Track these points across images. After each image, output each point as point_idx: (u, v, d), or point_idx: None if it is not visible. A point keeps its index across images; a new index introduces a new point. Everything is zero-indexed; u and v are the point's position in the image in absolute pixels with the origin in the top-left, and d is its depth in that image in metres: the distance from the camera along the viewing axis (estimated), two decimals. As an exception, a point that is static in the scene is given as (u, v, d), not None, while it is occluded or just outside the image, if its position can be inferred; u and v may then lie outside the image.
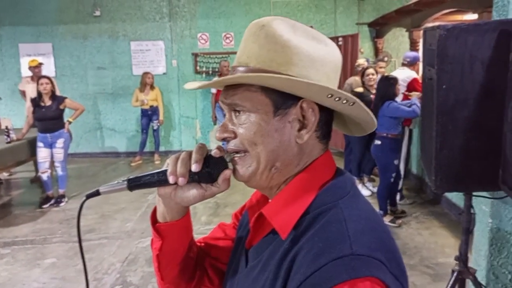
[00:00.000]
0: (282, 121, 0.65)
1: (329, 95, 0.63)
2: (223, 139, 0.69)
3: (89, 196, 0.71)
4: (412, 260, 3.35)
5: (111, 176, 6.16)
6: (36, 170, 5.58)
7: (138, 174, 0.71)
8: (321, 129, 0.68)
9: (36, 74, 5.81)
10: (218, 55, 7.22)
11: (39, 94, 4.76)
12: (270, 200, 0.72)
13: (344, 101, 0.65)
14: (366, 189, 5.04)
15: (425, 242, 3.69)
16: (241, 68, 0.66)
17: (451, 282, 2.00)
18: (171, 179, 0.67)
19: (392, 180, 4.09)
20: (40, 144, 4.82)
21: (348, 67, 6.60)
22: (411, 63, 4.79)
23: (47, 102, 4.76)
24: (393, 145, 4.00)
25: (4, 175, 6.12)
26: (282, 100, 0.65)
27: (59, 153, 4.87)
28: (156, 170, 0.70)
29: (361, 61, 5.57)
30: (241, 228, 0.82)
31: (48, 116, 4.76)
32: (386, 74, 4.95)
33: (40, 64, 5.98)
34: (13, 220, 4.52)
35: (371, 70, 4.76)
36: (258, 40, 0.65)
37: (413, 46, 5.93)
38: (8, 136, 4.78)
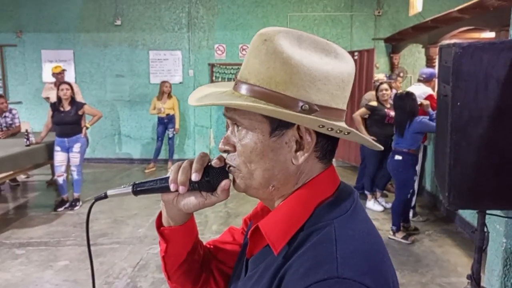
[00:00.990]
0: (278, 142, 0.64)
1: (321, 126, 0.62)
2: (225, 151, 0.70)
3: (97, 199, 0.74)
4: (424, 278, 3.31)
5: (125, 182, 6.24)
6: (53, 173, 5.70)
7: (144, 180, 0.73)
8: (321, 149, 0.67)
9: (59, 80, 5.97)
10: (234, 66, 7.32)
11: (59, 99, 4.88)
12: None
13: (338, 132, 0.63)
14: (379, 205, 5.00)
15: (437, 260, 3.64)
16: (243, 85, 0.65)
17: (462, 301, 1.97)
18: (172, 187, 0.70)
19: (409, 196, 4.06)
20: (57, 148, 4.93)
21: (364, 82, 6.61)
22: (427, 80, 4.79)
23: (66, 107, 4.88)
24: (413, 161, 4.00)
25: (22, 177, 6.26)
26: (278, 122, 0.63)
27: (75, 158, 4.97)
28: (160, 177, 0.73)
29: (380, 76, 5.60)
30: (247, 234, 0.82)
31: (66, 121, 4.87)
32: (400, 90, 4.96)
33: (63, 70, 6.15)
34: (28, 221, 4.61)
35: (385, 86, 4.79)
36: (259, 56, 0.63)
37: (430, 62, 5.91)
38: (27, 139, 4.91)
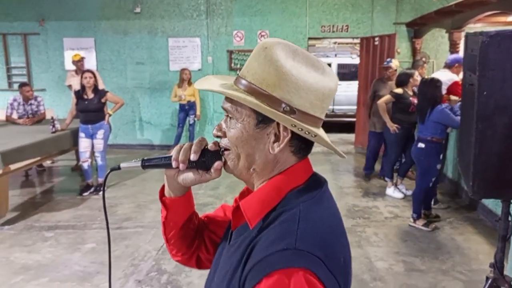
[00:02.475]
0: (261, 133, 0.77)
1: (293, 125, 0.74)
2: (217, 137, 0.84)
3: (112, 169, 0.89)
4: (444, 265, 3.32)
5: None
6: (77, 159, 5.86)
7: (151, 157, 0.86)
8: (295, 146, 0.78)
9: (79, 67, 6.09)
10: (252, 53, 7.31)
11: (83, 87, 4.99)
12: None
13: (307, 133, 0.75)
14: (399, 192, 4.98)
15: (458, 248, 3.64)
16: (242, 80, 0.77)
17: (484, 289, 1.99)
18: (173, 164, 0.83)
19: (430, 184, 4.04)
20: (81, 134, 5.06)
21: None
22: (448, 65, 4.70)
23: (90, 95, 4.99)
24: (437, 149, 3.94)
25: (47, 163, 6.45)
26: (264, 116, 0.75)
27: (99, 144, 5.10)
28: (164, 155, 0.86)
29: (396, 63, 5.48)
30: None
31: (90, 109, 4.98)
32: (426, 76, 4.89)
33: (82, 58, 6.26)
34: (55, 205, 4.79)
35: (417, 73, 4.74)
36: (259, 60, 0.75)
37: (453, 47, 5.79)
38: (53, 126, 5.05)
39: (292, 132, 0.76)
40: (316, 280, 0.64)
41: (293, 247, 0.66)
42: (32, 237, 3.90)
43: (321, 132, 0.79)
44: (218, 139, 0.85)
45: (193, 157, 0.82)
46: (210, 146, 0.84)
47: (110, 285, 0.97)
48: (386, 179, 5.14)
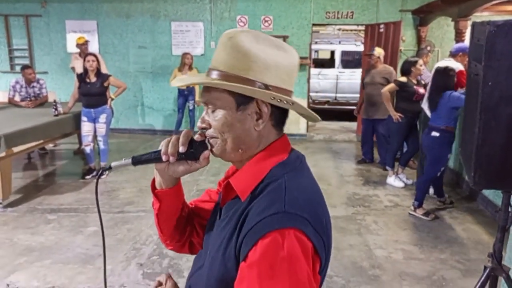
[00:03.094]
0: (243, 114, 0.84)
1: (272, 98, 0.82)
2: (202, 128, 0.88)
3: (103, 170, 0.94)
4: (443, 254, 3.35)
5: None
6: (80, 142, 5.88)
7: (141, 154, 0.90)
8: (275, 119, 0.87)
9: (83, 51, 6.05)
10: (256, 38, 7.24)
11: (85, 71, 4.97)
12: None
13: (285, 102, 0.84)
14: (399, 181, 5.00)
15: (457, 237, 3.67)
16: (214, 71, 0.84)
17: (482, 278, 2.01)
18: (164, 158, 0.87)
19: (438, 174, 4.04)
20: (84, 118, 5.06)
21: (389, 56, 6.46)
22: (453, 54, 4.66)
23: (92, 78, 4.97)
24: (450, 138, 3.94)
25: (50, 146, 6.47)
26: (243, 98, 0.83)
27: (101, 128, 5.10)
28: (153, 150, 0.90)
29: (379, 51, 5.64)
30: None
31: (93, 92, 4.97)
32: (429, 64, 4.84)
33: (87, 41, 6.22)
34: (58, 188, 4.82)
35: (421, 61, 4.70)
36: (226, 49, 0.83)
37: (459, 36, 5.72)
38: (56, 109, 5.05)
39: (271, 106, 0.85)
40: (305, 238, 0.74)
41: (282, 210, 0.75)
42: (35, 220, 3.94)
43: (295, 100, 0.88)
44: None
45: (181, 149, 0.86)
46: (196, 137, 0.88)
47: (105, 285, 1.01)
48: (387, 168, 5.15)
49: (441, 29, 7.21)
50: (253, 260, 0.73)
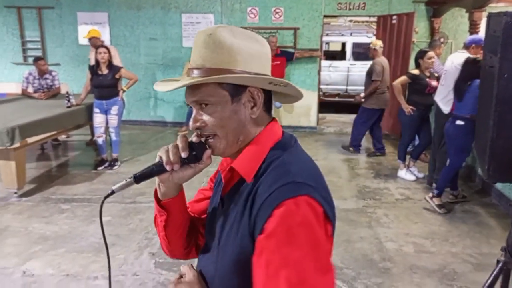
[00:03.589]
0: (238, 105, 0.86)
1: (270, 82, 0.86)
2: (197, 128, 0.88)
3: (106, 197, 0.89)
4: (454, 248, 3.34)
5: (160, 144, 6.44)
6: (92, 134, 5.94)
7: (140, 170, 0.88)
8: (266, 104, 0.90)
9: (93, 43, 6.04)
10: (266, 30, 7.20)
11: (97, 63, 5.00)
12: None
13: (281, 85, 0.88)
14: (411, 174, 4.97)
15: (469, 231, 3.64)
16: (198, 70, 0.85)
17: (495, 272, 2.00)
18: (168, 168, 0.87)
19: (463, 163, 3.98)
20: (96, 110, 5.11)
21: (401, 48, 6.39)
22: (466, 46, 4.58)
23: (104, 70, 5.01)
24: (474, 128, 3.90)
25: (62, 137, 6.55)
26: (235, 90, 0.85)
27: (113, 119, 5.15)
28: (151, 164, 0.88)
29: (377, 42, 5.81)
30: (216, 185, 1.04)
31: (104, 84, 5.01)
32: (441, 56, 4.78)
33: (93, 37, 6.00)
34: (71, 179, 4.89)
35: (431, 53, 4.63)
36: (209, 46, 0.84)
37: (473, 28, 5.63)
38: (68, 101, 5.10)
39: (263, 92, 0.88)
40: (316, 203, 0.77)
41: (291, 181, 0.78)
42: (49, 209, 4.01)
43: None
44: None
45: (184, 154, 0.86)
46: (195, 139, 0.88)
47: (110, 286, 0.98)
48: (398, 161, 5.12)
49: (455, 20, 7.10)
50: (271, 230, 0.75)
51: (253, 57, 0.86)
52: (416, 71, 4.65)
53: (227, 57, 0.83)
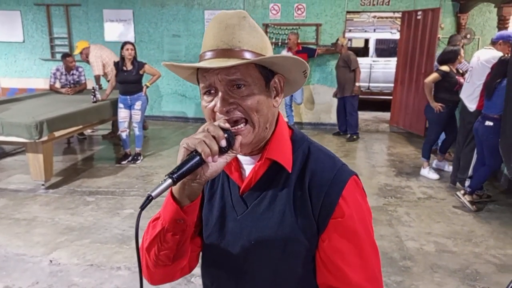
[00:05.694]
0: (269, 91, 0.83)
1: (304, 71, 0.87)
2: (227, 112, 0.79)
3: (143, 207, 0.73)
4: (477, 248, 3.27)
5: (181, 139, 6.51)
6: (112, 128, 6.08)
7: (174, 168, 0.73)
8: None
9: (85, 53, 6.14)
10: (288, 26, 7.19)
11: (122, 59, 5.11)
12: (242, 156, 0.88)
13: (306, 76, 0.89)
14: (434, 173, 4.88)
15: (493, 232, 3.56)
16: (236, 49, 0.78)
17: (518, 272, 1.96)
18: (209, 160, 0.74)
19: (501, 165, 3.90)
20: (120, 105, 5.22)
21: (426, 45, 6.27)
22: (493, 42, 4.45)
23: (129, 66, 5.11)
24: None
25: (88, 131, 6.73)
26: (268, 75, 0.82)
27: (136, 115, 5.25)
28: (188, 158, 0.74)
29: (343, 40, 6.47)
30: (213, 188, 0.94)
31: (129, 80, 5.12)
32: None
33: (84, 49, 6.19)
34: (96, 172, 5.02)
35: (462, 51, 4.59)
36: (244, 29, 0.80)
37: (502, 23, 5.47)
38: (94, 96, 5.24)
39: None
40: (360, 181, 0.88)
41: (341, 164, 0.86)
42: (75, 201, 4.14)
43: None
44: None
45: (223, 142, 0.75)
46: (227, 125, 0.77)
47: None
48: (422, 159, 5.04)
49: (483, 16, 6.90)
50: (349, 212, 0.82)
51: (270, 46, 0.87)
52: (446, 68, 4.58)
53: (261, 42, 0.82)
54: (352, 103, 6.58)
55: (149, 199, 0.72)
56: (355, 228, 0.83)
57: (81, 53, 6.20)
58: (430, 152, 4.96)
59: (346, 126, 6.80)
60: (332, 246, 0.82)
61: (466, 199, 3.97)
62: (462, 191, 4.05)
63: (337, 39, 6.63)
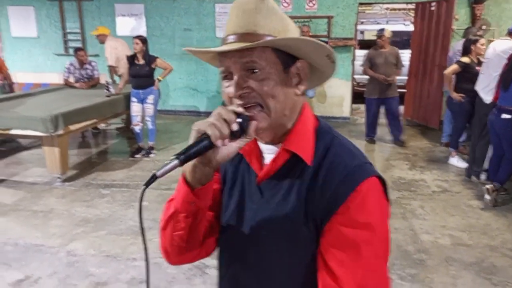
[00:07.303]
0: (288, 77, 0.80)
1: (327, 55, 0.82)
2: (240, 96, 0.77)
3: (148, 184, 0.74)
4: (493, 242, 3.24)
5: (193, 133, 6.54)
6: (128, 122, 6.13)
7: (183, 150, 0.73)
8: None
9: (101, 40, 6.40)
10: (300, 19, 7.14)
11: (134, 53, 5.13)
12: (264, 144, 0.87)
13: (333, 61, 0.83)
14: (463, 161, 4.92)
15: (509, 225, 3.52)
16: (251, 32, 0.77)
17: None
18: (219, 143, 0.72)
19: None
20: (133, 99, 5.26)
21: (440, 36, 6.18)
22: (509, 33, 4.37)
23: (141, 60, 5.13)
24: None
25: (102, 125, 6.80)
26: (287, 60, 0.79)
27: (149, 108, 5.29)
28: (197, 141, 0.73)
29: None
30: (234, 174, 0.93)
31: (141, 74, 5.14)
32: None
33: (101, 35, 6.45)
34: (110, 165, 5.08)
35: (483, 41, 4.53)
36: (261, 12, 0.78)
37: (519, 13, 5.35)
38: (108, 90, 5.28)
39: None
40: (381, 185, 0.81)
41: (362, 162, 0.80)
42: (90, 194, 4.20)
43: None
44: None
45: (235, 126, 0.74)
46: (241, 110, 0.76)
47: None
48: (450, 149, 5.07)
49: (499, 6, 6.76)
50: (352, 217, 0.75)
51: (294, 28, 0.82)
52: (466, 59, 4.54)
53: (280, 25, 0.79)
54: (398, 104, 5.92)
55: (153, 178, 0.74)
56: (355, 238, 0.75)
57: (98, 35, 6.36)
58: (458, 142, 5.02)
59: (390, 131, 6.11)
60: (324, 246, 0.78)
61: (494, 196, 3.86)
62: (492, 185, 3.90)
63: (382, 30, 5.95)
